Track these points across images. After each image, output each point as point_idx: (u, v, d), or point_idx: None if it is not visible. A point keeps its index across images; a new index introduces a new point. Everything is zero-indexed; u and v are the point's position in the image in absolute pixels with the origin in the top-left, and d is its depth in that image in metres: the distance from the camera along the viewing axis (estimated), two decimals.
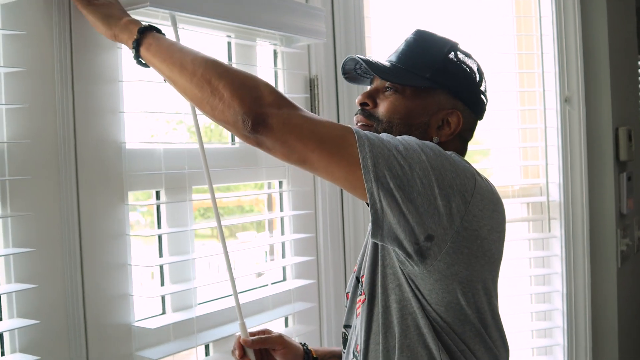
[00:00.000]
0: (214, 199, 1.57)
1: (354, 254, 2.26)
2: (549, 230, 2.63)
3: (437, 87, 1.40)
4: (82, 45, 1.54)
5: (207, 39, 1.92)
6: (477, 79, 1.45)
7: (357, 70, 1.48)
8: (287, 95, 1.27)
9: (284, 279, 2.15)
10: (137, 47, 1.37)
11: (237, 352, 1.54)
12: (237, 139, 2.00)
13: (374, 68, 1.41)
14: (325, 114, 2.21)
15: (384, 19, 2.48)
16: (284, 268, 2.15)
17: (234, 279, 1.58)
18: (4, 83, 1.41)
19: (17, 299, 1.42)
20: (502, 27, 2.70)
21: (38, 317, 1.42)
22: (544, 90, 2.62)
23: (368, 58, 1.44)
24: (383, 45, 2.45)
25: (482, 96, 1.47)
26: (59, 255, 1.49)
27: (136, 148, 1.68)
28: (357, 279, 1.46)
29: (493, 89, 2.67)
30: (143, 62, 1.40)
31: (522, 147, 2.74)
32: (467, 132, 1.46)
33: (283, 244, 2.15)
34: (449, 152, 1.29)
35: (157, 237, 1.77)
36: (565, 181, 2.62)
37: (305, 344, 1.63)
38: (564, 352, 2.63)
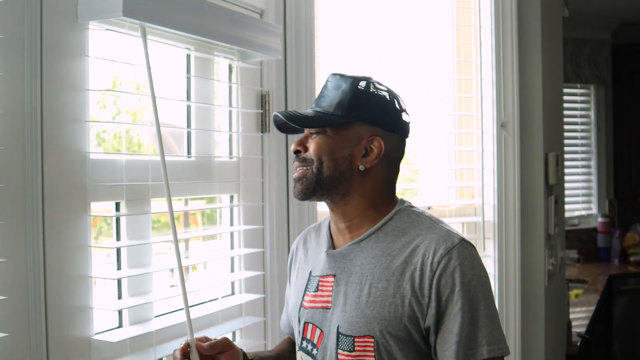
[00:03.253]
0: (171, 211, 1.56)
1: None
2: (484, 250, 2.73)
3: (352, 121, 1.53)
4: (52, 51, 1.51)
5: (168, 51, 1.91)
6: (390, 101, 1.56)
7: (289, 123, 1.56)
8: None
9: (232, 293, 2.16)
10: None
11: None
12: (193, 152, 2.01)
13: (293, 120, 1.54)
14: (275, 130, 2.22)
15: (332, 40, 2.53)
16: (232, 283, 2.15)
17: (186, 293, 1.58)
18: None
19: None
20: (442, 52, 2.80)
21: (1, 331, 1.39)
22: (482, 115, 2.73)
23: (290, 112, 1.56)
24: (331, 64, 2.50)
25: (402, 115, 1.57)
26: (23, 265, 1.45)
27: (99, 158, 1.66)
28: None
29: (433, 112, 2.77)
30: None
31: (459, 169, 2.83)
32: (394, 152, 1.58)
33: (232, 259, 2.16)
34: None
35: (115, 249, 1.75)
36: (499, 202, 2.72)
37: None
38: None
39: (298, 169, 1.56)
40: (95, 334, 1.62)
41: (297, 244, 1.76)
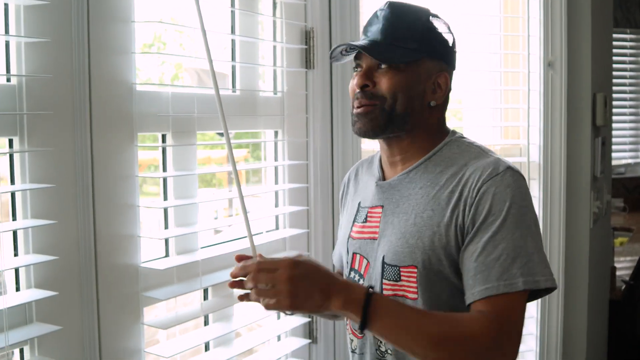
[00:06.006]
0: (229, 143, 1.55)
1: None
2: None
3: (425, 56, 1.49)
4: None
5: None
6: (449, 34, 1.55)
7: (343, 52, 1.53)
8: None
9: (277, 228, 2.18)
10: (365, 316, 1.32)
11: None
12: (237, 86, 2.01)
13: (373, 52, 1.47)
14: (319, 66, 2.23)
15: None
16: (276, 217, 2.17)
17: (248, 220, 1.57)
18: (23, 17, 1.40)
19: (33, 235, 1.42)
20: None
21: (52, 254, 1.43)
22: (528, 54, 2.67)
23: (368, 43, 1.49)
24: (373, 3, 2.47)
25: (454, 49, 1.57)
26: (72, 192, 1.48)
27: (145, 90, 1.67)
28: None
29: (478, 51, 2.73)
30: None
31: (504, 109, 2.80)
32: (451, 86, 1.58)
33: (276, 193, 2.18)
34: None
35: (161, 179, 1.78)
36: (545, 143, 2.68)
37: None
38: (537, 308, 2.74)
39: (363, 105, 1.49)
40: (143, 262, 1.66)
41: (349, 176, 1.76)
